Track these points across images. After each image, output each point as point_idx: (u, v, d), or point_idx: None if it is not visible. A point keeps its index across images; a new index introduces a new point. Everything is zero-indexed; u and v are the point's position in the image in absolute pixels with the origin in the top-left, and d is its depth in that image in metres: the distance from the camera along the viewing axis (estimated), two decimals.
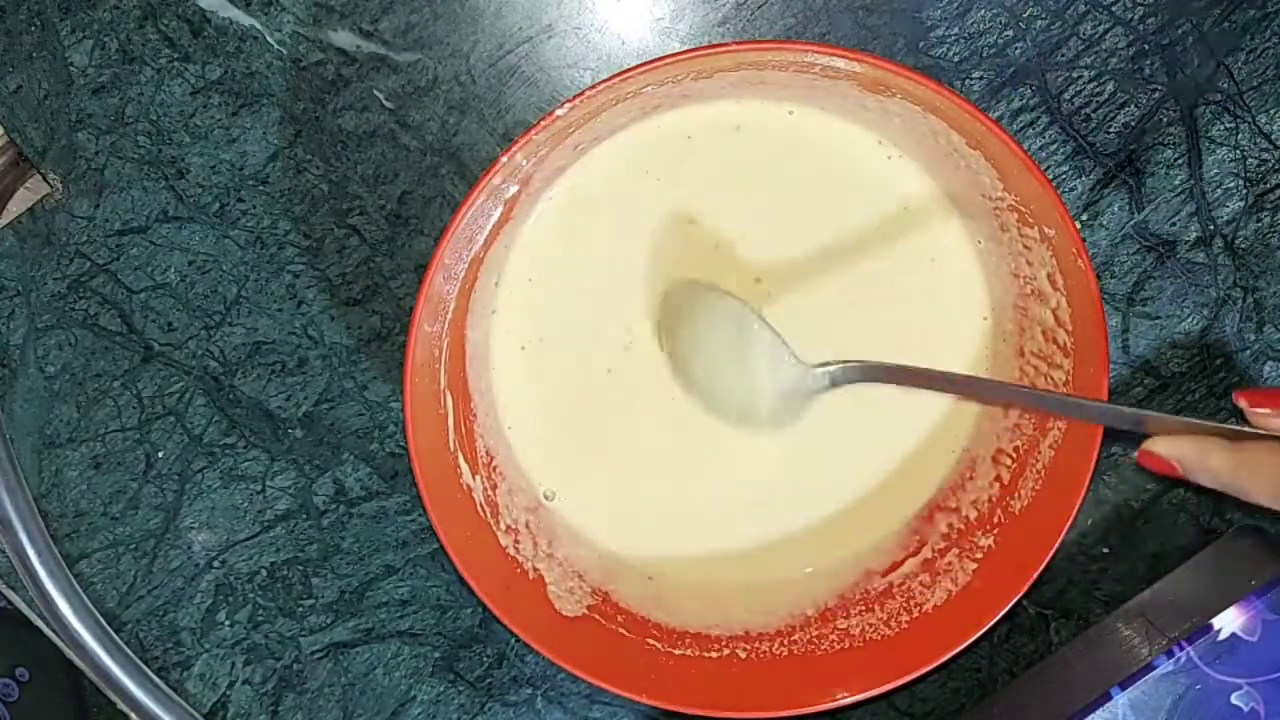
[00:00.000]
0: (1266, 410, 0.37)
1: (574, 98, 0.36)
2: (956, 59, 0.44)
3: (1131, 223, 0.45)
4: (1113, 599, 0.46)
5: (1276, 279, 0.45)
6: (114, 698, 0.47)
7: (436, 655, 0.48)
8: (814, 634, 0.44)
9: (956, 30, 0.44)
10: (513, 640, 0.47)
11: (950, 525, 0.44)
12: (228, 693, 0.48)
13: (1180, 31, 0.44)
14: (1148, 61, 0.44)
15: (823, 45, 0.36)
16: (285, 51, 0.44)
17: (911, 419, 0.45)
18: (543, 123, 0.36)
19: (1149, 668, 0.39)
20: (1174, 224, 0.45)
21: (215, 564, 0.47)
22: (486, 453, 0.44)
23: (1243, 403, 0.37)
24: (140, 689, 0.46)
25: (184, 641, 0.47)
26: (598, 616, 0.43)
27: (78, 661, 0.46)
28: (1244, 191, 0.45)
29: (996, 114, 0.44)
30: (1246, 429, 0.37)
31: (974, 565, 0.42)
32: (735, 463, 0.45)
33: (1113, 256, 0.45)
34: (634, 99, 0.39)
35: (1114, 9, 0.43)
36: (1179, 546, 0.46)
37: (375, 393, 0.46)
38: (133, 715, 0.47)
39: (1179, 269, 0.45)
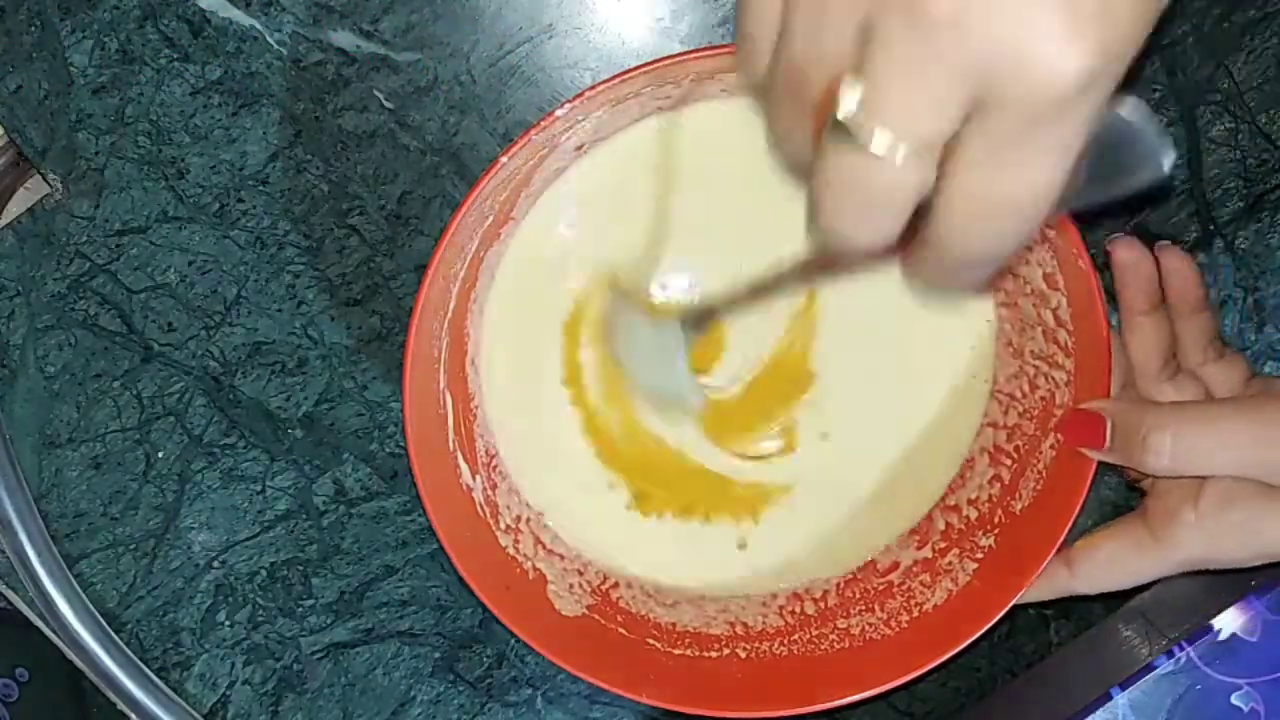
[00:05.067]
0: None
1: (574, 98, 0.36)
2: None
3: (1131, 223, 0.45)
4: (1113, 599, 0.46)
5: (1276, 279, 0.45)
6: (114, 698, 0.47)
7: (436, 655, 0.48)
8: (814, 634, 0.44)
9: None
10: (513, 640, 0.47)
11: (950, 525, 0.44)
12: (228, 693, 0.48)
13: (1180, 31, 0.44)
14: (1148, 61, 0.44)
15: None
16: (285, 51, 0.44)
17: (912, 419, 0.45)
18: (543, 123, 0.36)
19: (1149, 668, 0.39)
20: (1174, 224, 0.45)
21: (215, 564, 0.47)
22: (486, 453, 0.44)
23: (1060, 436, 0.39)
24: (140, 689, 0.46)
25: (184, 641, 0.47)
26: (598, 616, 0.43)
27: (78, 661, 0.46)
28: (1244, 191, 0.45)
29: None
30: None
31: (974, 565, 0.42)
32: (734, 464, 0.45)
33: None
34: (634, 99, 0.39)
35: None
36: None
37: (375, 393, 0.46)
38: (133, 715, 0.47)
39: None
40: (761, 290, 0.41)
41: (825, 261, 0.40)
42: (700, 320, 0.42)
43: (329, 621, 0.47)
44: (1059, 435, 0.39)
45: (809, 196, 0.25)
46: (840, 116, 0.23)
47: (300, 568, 0.47)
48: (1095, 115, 0.23)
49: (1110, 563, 0.39)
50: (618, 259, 0.43)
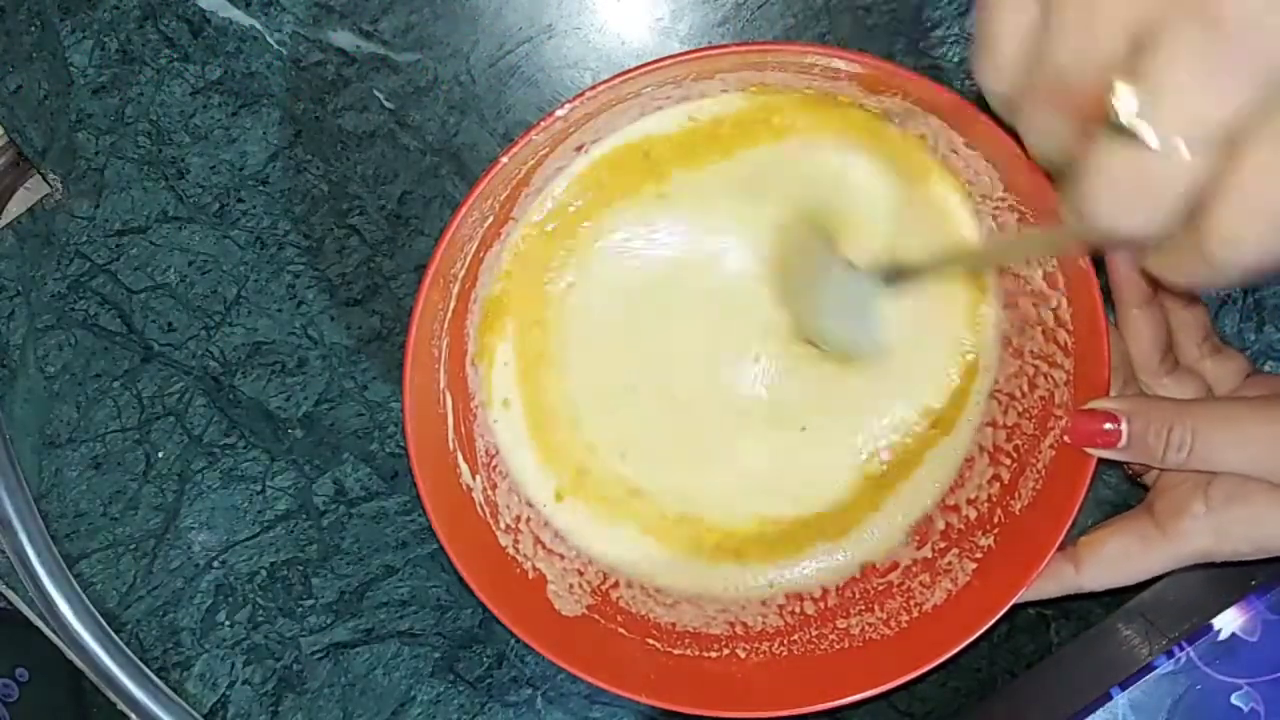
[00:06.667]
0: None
1: (574, 98, 0.36)
2: (956, 59, 0.44)
3: None
4: (1113, 599, 0.46)
5: (1277, 279, 0.45)
6: (114, 698, 0.47)
7: (436, 655, 0.48)
8: (814, 634, 0.44)
9: (956, 30, 0.44)
10: (513, 640, 0.47)
11: (950, 525, 0.44)
12: (228, 693, 0.48)
13: None
14: None
15: (823, 46, 0.36)
16: (285, 51, 0.44)
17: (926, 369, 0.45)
18: (543, 123, 0.36)
19: (1149, 668, 0.39)
20: None
21: (215, 564, 0.47)
22: (486, 452, 0.44)
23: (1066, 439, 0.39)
24: (140, 689, 0.46)
25: (184, 641, 0.47)
26: (597, 616, 0.43)
27: (78, 661, 0.46)
28: None
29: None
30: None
31: (974, 565, 0.42)
32: (732, 463, 0.45)
33: None
34: (634, 99, 0.39)
35: None
36: None
37: (375, 393, 0.46)
38: (133, 715, 0.47)
39: None
40: (970, 259, 0.41)
41: (1045, 240, 0.40)
42: (899, 275, 0.41)
43: (329, 621, 0.47)
44: (1068, 437, 0.39)
45: (1077, 188, 0.26)
46: (1122, 120, 0.23)
47: (300, 568, 0.47)
48: None
49: (1117, 558, 0.39)
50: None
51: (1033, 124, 0.27)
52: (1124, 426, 0.37)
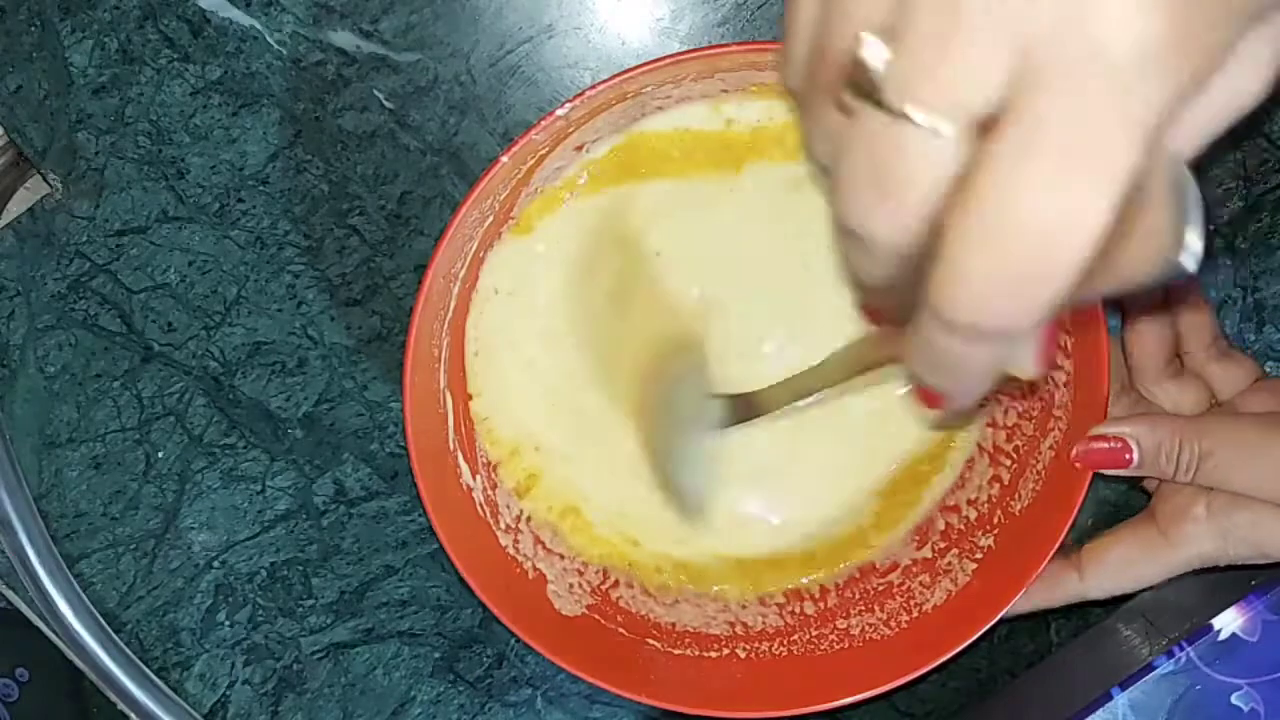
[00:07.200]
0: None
1: (574, 98, 0.36)
2: None
3: None
4: (1113, 599, 0.46)
5: (1276, 279, 0.45)
6: (114, 698, 0.47)
7: (436, 655, 0.48)
8: (814, 634, 0.44)
9: None
10: (513, 640, 0.47)
11: (950, 525, 0.44)
12: (228, 693, 0.48)
13: None
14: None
15: None
16: (285, 51, 0.44)
17: (909, 417, 0.45)
18: (543, 123, 0.36)
19: (1149, 668, 0.39)
20: None
21: (215, 564, 0.47)
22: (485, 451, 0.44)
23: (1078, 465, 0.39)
24: (140, 689, 0.46)
25: (184, 641, 0.47)
26: (598, 616, 0.43)
27: (78, 661, 0.46)
28: (1244, 191, 0.45)
29: None
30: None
31: (974, 565, 0.42)
32: (730, 466, 0.45)
33: None
34: (634, 99, 0.39)
35: None
36: None
37: (375, 393, 0.46)
38: (133, 715, 0.47)
39: None
40: (807, 389, 0.40)
41: (874, 353, 0.37)
42: (743, 414, 0.41)
43: (329, 621, 0.47)
44: (1079, 462, 0.39)
45: (833, 180, 0.23)
46: (865, 62, 0.21)
47: (300, 568, 0.47)
48: (1157, 119, 0.19)
49: (1121, 565, 0.39)
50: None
51: (809, 119, 0.24)
52: (1134, 449, 0.37)
